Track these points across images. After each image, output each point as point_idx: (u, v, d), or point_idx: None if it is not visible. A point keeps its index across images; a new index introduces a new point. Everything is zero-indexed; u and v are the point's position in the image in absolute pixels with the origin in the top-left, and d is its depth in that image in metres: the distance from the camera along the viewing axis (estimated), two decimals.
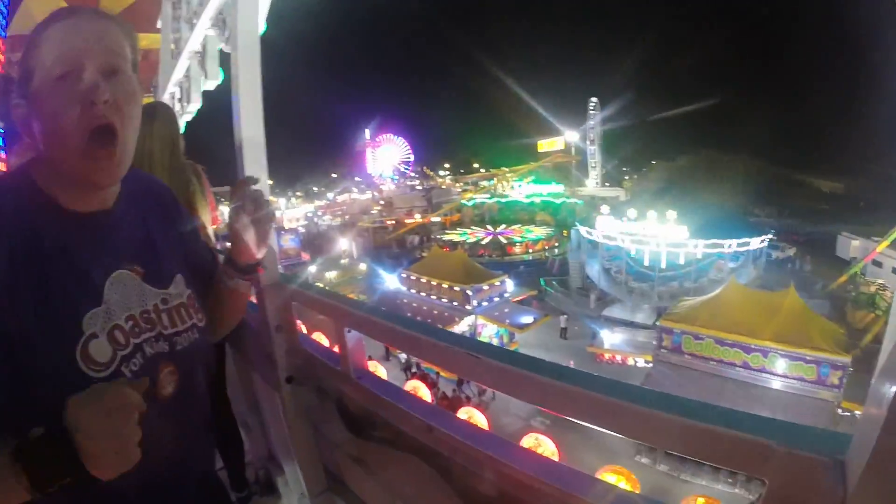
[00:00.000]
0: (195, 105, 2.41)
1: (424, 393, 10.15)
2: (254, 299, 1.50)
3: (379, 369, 10.48)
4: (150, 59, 4.38)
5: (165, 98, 2.71)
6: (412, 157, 66.92)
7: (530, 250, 36.06)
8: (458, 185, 62.11)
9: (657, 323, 15.58)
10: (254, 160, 1.39)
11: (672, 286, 22.72)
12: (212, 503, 1.01)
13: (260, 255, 0.99)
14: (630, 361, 16.60)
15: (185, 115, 2.56)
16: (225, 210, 1.12)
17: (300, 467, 1.74)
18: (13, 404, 0.66)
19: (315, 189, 67.48)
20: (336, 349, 1.38)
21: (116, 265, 0.79)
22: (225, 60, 2.14)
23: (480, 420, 8.50)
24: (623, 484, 6.99)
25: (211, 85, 2.20)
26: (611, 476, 7.29)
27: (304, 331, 2.05)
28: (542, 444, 7.94)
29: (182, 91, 2.54)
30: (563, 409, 0.80)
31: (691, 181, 36.96)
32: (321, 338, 4.20)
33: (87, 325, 0.72)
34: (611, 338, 17.75)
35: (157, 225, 0.89)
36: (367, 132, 67.72)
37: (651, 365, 14.89)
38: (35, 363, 0.67)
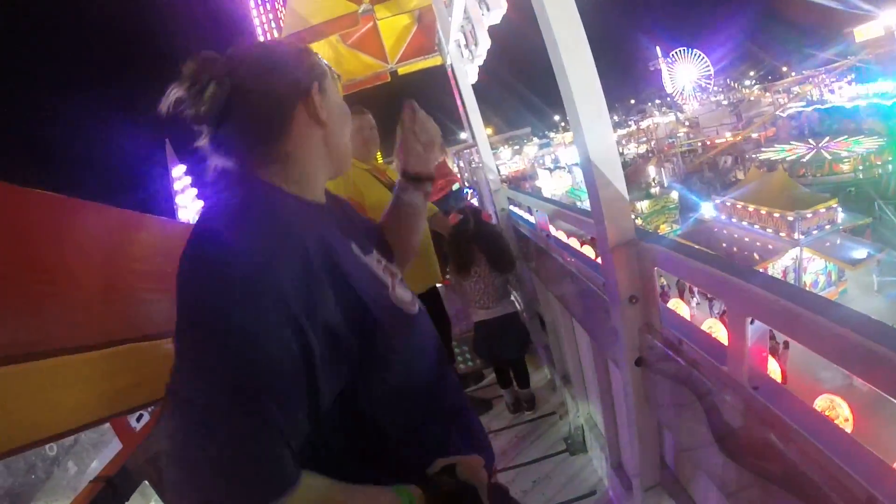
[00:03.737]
0: (484, 45, 2.24)
1: (846, 416, 6.49)
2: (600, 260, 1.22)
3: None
4: (425, 22, 4.55)
5: (451, 48, 2.64)
6: (712, 70, 58.53)
7: (860, 167, 27.89)
8: (768, 95, 52.57)
9: None
10: (587, 94, 1.04)
11: None
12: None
13: (427, 166, 1.07)
14: None
15: (477, 60, 2.43)
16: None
17: (638, 454, 1.46)
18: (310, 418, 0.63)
19: (615, 118, 65.72)
20: (723, 340, 0.98)
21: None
22: None
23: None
24: None
25: (496, 17, 1.95)
26: None
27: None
28: None
29: (466, 36, 2.40)
30: None
31: None
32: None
33: (384, 277, 0.83)
34: None
35: (342, 204, 0.96)
36: (659, 49, 61.85)
37: None
38: (369, 323, 0.71)
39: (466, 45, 2.41)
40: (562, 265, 1.97)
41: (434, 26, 3.90)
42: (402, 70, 4.85)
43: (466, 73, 2.76)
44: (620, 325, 1.17)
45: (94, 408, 1.08)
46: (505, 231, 2.90)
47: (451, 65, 3.32)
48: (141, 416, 1.12)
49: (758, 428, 0.82)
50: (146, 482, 0.82)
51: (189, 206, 28.23)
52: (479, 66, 2.60)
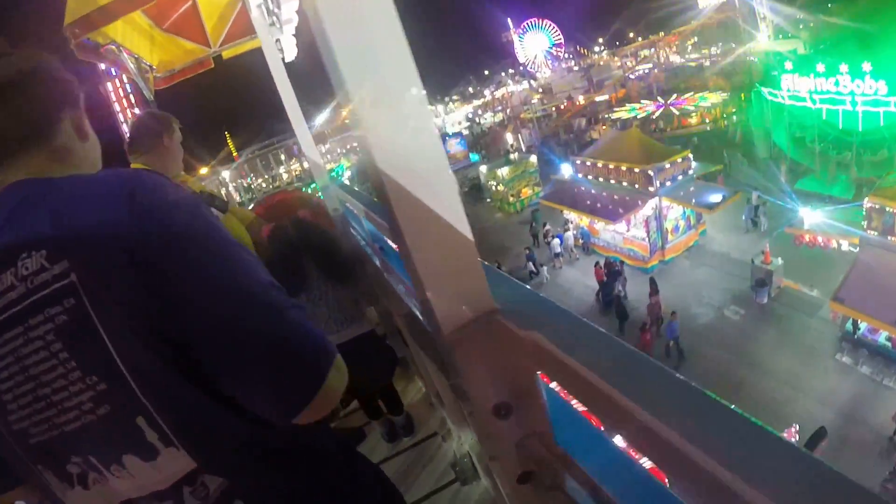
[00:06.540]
0: (291, 7, 1.74)
1: None
2: None
3: None
4: None
5: (254, 16, 2.09)
6: (562, 38, 62.68)
7: (707, 120, 31.38)
8: (616, 59, 57.20)
9: (865, 199, 12.39)
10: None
11: (881, 154, 17.88)
12: None
13: None
14: (833, 245, 13.80)
15: (287, 27, 1.92)
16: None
17: None
18: None
19: (470, 90, 67.10)
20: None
21: None
22: None
23: None
24: None
25: None
26: None
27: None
28: None
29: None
30: None
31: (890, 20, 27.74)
32: None
33: None
34: (811, 217, 14.61)
35: None
36: (510, 20, 64.89)
37: (857, 250, 12.24)
38: None
39: (269, 11, 1.89)
40: (400, 294, 1.56)
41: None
42: (226, 53, 4.08)
43: (282, 49, 2.23)
44: (488, 437, 0.76)
45: None
46: (344, 236, 2.43)
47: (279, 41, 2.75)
48: None
49: None
50: None
51: None
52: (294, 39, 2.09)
